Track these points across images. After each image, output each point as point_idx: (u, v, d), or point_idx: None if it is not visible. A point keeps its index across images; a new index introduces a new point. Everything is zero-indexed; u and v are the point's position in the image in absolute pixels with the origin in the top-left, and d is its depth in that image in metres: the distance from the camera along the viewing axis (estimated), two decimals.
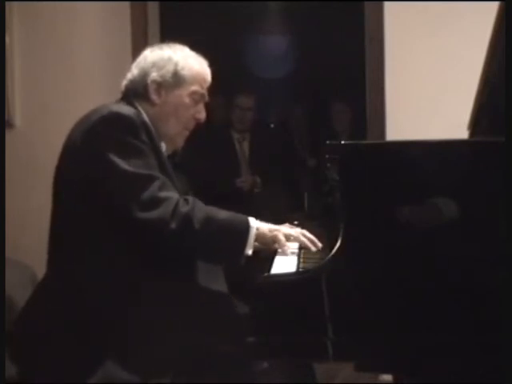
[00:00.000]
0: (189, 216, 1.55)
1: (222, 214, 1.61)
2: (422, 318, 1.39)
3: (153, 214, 1.55)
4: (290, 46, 5.84)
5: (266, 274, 1.50)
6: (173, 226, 1.54)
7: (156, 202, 1.55)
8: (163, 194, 1.57)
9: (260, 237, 1.63)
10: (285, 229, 1.72)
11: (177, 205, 1.56)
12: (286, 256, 1.69)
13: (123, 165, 1.57)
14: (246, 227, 1.60)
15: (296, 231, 1.73)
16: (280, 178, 4.26)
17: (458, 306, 1.38)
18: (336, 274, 1.38)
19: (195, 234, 1.56)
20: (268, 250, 1.73)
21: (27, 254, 2.76)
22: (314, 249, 1.70)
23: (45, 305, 1.64)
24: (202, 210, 1.59)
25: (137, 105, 1.73)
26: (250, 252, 1.60)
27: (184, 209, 1.56)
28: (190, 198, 1.60)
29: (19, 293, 2.07)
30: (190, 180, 1.84)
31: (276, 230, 1.68)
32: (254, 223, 1.63)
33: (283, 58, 5.76)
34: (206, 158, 3.79)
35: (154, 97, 1.74)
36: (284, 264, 1.64)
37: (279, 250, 1.73)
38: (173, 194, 1.59)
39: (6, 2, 2.96)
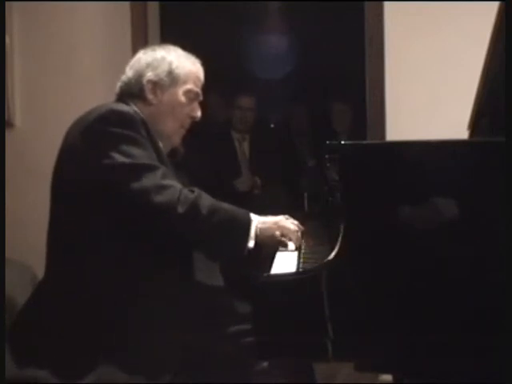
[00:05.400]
0: (196, 202, 1.58)
1: (225, 205, 1.65)
2: (422, 317, 1.39)
3: (159, 199, 1.56)
4: (290, 46, 5.83)
5: (266, 274, 1.50)
6: (180, 210, 1.56)
7: (160, 189, 1.58)
8: (166, 181, 1.60)
9: (266, 231, 1.67)
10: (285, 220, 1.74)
11: (181, 191, 1.59)
12: (291, 247, 1.72)
13: (125, 157, 1.59)
14: (248, 218, 1.65)
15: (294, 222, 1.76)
16: (280, 178, 4.26)
17: (458, 305, 1.37)
18: (336, 273, 1.38)
19: (202, 219, 1.58)
20: (273, 243, 1.75)
21: (27, 254, 2.76)
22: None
23: (44, 305, 1.64)
24: (207, 198, 1.62)
25: (132, 105, 1.74)
26: (251, 244, 1.63)
27: (190, 196, 1.59)
28: (195, 189, 1.63)
29: (19, 293, 2.06)
30: (190, 180, 1.84)
31: (280, 220, 1.72)
32: (255, 217, 1.67)
33: (283, 58, 5.76)
34: (206, 158, 3.79)
35: (150, 96, 1.76)
36: (284, 264, 1.64)
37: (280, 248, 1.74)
38: (175, 183, 1.61)
39: (6, 2, 2.96)
